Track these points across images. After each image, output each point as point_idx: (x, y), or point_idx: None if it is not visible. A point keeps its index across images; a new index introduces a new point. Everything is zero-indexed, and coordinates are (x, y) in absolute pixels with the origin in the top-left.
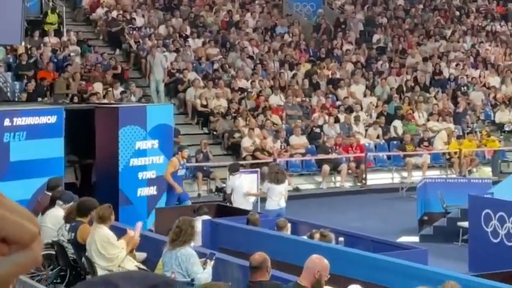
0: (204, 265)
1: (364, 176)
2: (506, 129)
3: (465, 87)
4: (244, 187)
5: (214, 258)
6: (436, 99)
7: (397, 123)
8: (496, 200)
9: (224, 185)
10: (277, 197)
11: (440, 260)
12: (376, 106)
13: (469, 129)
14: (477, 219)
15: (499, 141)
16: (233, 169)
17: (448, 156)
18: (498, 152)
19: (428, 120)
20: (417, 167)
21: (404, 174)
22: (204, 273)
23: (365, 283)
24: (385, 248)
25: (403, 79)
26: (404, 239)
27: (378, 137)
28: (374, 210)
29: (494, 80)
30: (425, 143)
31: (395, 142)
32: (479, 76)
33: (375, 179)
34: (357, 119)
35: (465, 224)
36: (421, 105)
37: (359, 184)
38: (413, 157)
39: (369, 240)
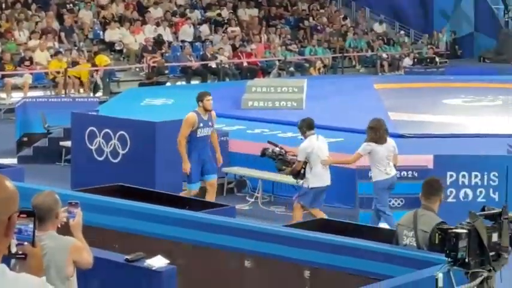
0: None
1: None
2: (117, 48)
3: (72, 5)
4: (324, 152)
5: None
6: (39, 17)
7: None
8: (101, 117)
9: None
10: (383, 162)
11: (41, 180)
12: None
13: (76, 48)
14: (81, 137)
15: (110, 60)
16: (307, 126)
17: (52, 76)
18: (108, 71)
19: (30, 38)
20: (18, 88)
21: (3, 95)
22: None
23: None
24: None
25: None
26: (1, 161)
27: None
28: None
29: None
30: (27, 63)
31: None
32: None
33: None
34: None
35: (68, 143)
36: (23, 23)
37: None
38: (13, 77)
39: None
